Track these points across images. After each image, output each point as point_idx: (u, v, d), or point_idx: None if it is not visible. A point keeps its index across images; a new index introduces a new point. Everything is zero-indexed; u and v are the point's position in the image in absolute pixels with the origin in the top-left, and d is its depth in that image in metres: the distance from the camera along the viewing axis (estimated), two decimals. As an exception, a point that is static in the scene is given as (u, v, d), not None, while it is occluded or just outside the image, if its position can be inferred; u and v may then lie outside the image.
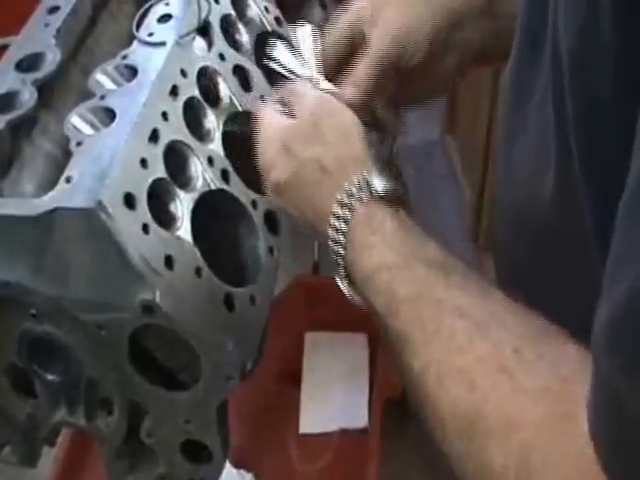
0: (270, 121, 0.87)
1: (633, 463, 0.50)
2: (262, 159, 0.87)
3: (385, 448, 1.27)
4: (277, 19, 1.15)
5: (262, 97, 1.06)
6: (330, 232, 0.76)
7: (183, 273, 0.86)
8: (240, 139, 1.02)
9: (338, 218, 0.76)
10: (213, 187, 0.95)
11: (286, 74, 0.93)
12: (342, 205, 0.76)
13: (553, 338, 0.62)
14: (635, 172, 0.47)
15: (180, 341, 0.86)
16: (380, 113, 0.94)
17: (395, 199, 0.77)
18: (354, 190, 0.76)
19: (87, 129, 0.90)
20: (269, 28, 1.13)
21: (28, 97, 0.94)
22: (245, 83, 1.07)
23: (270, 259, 0.97)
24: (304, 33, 0.99)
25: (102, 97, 0.93)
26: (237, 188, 0.98)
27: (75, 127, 0.90)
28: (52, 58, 0.98)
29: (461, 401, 0.63)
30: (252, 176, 0.99)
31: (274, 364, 0.90)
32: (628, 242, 0.48)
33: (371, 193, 0.76)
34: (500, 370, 0.62)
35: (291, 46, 0.98)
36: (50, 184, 0.88)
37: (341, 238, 0.76)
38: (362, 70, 0.91)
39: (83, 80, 0.97)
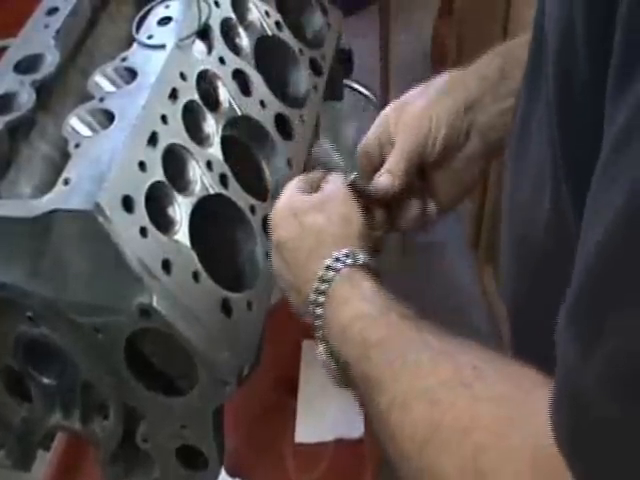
0: (292, 192, 0.88)
1: (595, 453, 0.50)
2: (273, 219, 0.88)
3: (381, 458, 1.26)
4: (277, 23, 1.14)
5: (262, 102, 1.06)
6: (312, 295, 0.79)
7: (180, 277, 0.86)
8: (239, 144, 1.02)
9: (323, 281, 0.79)
10: (212, 192, 0.94)
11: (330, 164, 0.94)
12: (328, 268, 0.79)
13: (518, 365, 0.63)
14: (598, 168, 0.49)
15: (177, 346, 0.85)
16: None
17: (375, 272, 0.80)
18: (341, 257, 0.79)
19: (85, 131, 0.90)
20: (269, 32, 1.13)
21: (27, 99, 0.93)
22: (245, 87, 1.06)
23: (268, 264, 0.96)
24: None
25: (101, 99, 0.93)
26: (236, 193, 0.97)
27: (74, 129, 0.89)
28: (51, 60, 0.98)
29: (421, 421, 0.64)
30: (251, 182, 0.99)
31: (270, 372, 0.90)
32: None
33: (355, 262, 0.79)
34: (460, 385, 0.63)
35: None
36: (47, 186, 0.87)
37: (321, 299, 0.78)
38: (393, 163, 0.93)
39: (82, 82, 0.97)
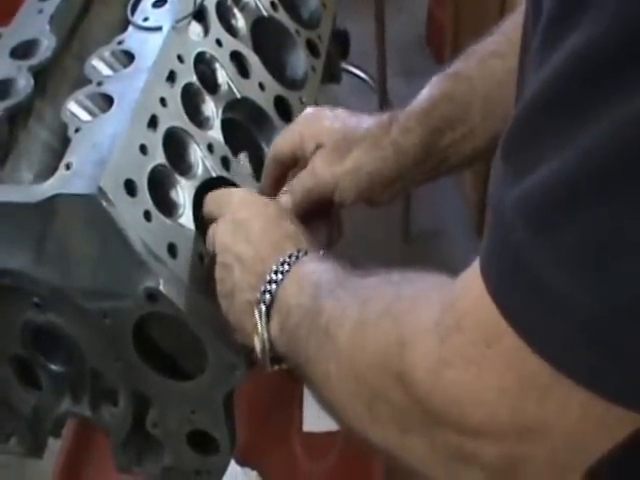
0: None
1: (503, 274, 0.52)
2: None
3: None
4: (273, 4, 1.13)
5: (261, 85, 1.05)
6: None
7: (186, 261, 0.85)
8: (239, 127, 1.01)
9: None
10: (213, 174, 0.93)
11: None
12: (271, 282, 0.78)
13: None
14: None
15: (185, 330, 0.84)
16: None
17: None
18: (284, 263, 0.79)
19: (85, 115, 0.89)
20: (265, 13, 1.11)
21: (24, 84, 0.92)
22: (243, 70, 1.05)
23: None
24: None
25: (99, 83, 0.91)
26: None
27: (73, 114, 0.88)
28: (47, 44, 0.97)
29: (347, 336, 0.67)
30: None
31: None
32: None
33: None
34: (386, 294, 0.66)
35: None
36: (49, 172, 0.86)
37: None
38: (298, 185, 0.93)
39: (79, 66, 0.96)
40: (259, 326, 0.77)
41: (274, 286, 0.77)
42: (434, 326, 0.58)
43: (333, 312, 0.69)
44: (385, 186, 0.93)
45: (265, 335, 0.77)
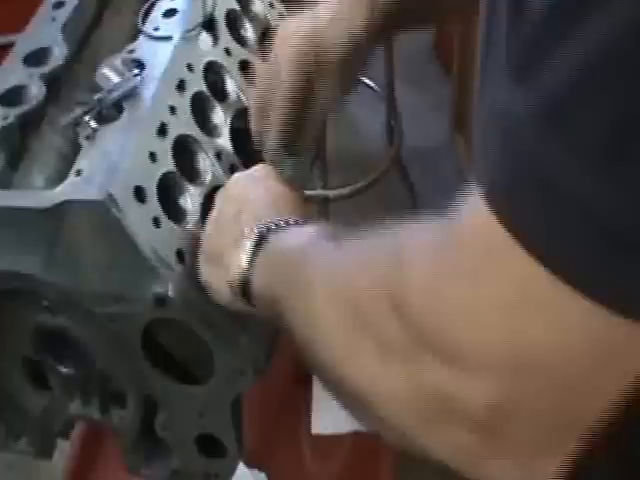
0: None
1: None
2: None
3: (400, 451, 1.26)
4: (281, 15, 1.14)
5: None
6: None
7: (195, 267, 0.86)
8: (248, 135, 1.02)
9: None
10: (222, 182, 0.94)
11: None
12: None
13: None
14: None
15: (194, 335, 0.86)
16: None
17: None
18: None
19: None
20: (274, 23, 1.13)
21: (36, 91, 0.94)
22: (251, 78, 1.06)
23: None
24: None
25: (109, 91, 0.92)
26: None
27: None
28: (59, 52, 0.98)
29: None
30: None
31: (287, 363, 0.90)
32: None
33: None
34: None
35: None
36: (59, 177, 0.88)
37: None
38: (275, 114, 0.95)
39: (90, 74, 0.96)
40: (243, 257, 0.76)
41: (267, 230, 0.77)
42: (432, 246, 0.55)
43: (331, 245, 0.67)
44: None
45: (245, 267, 0.76)
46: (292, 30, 0.96)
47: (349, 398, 0.64)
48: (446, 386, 0.53)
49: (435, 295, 0.54)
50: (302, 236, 0.73)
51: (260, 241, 0.76)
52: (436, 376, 0.53)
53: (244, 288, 0.77)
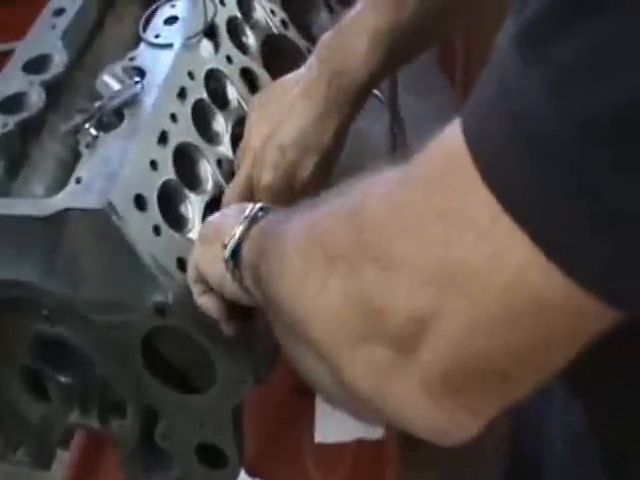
0: None
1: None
2: None
3: (403, 460, 1.26)
4: (283, 22, 1.14)
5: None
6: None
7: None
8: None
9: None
10: (223, 190, 0.95)
11: None
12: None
13: None
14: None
15: (194, 344, 0.85)
16: None
17: None
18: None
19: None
20: (275, 31, 1.13)
21: (36, 98, 0.94)
22: (253, 86, 1.06)
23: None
24: None
25: (110, 98, 0.92)
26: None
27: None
28: (59, 60, 0.98)
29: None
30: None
31: (289, 372, 0.90)
32: None
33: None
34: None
35: None
36: (59, 185, 0.88)
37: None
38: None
39: (90, 81, 0.97)
40: (238, 230, 0.77)
41: (263, 211, 0.77)
42: (396, 174, 0.56)
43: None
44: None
45: (237, 243, 0.76)
46: (265, 163, 0.95)
47: (291, 327, 0.64)
48: (375, 296, 0.53)
49: (387, 200, 0.55)
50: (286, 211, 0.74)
51: (256, 218, 0.77)
52: (369, 285, 0.54)
53: (235, 253, 0.77)
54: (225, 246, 0.77)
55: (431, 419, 0.54)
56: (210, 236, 0.83)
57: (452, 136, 0.51)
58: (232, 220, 0.79)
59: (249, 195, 0.94)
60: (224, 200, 0.95)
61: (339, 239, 0.57)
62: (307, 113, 0.95)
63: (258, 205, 0.78)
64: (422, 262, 0.51)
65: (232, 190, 0.95)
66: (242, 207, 0.81)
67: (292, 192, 0.95)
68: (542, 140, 0.46)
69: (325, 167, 0.98)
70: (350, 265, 0.56)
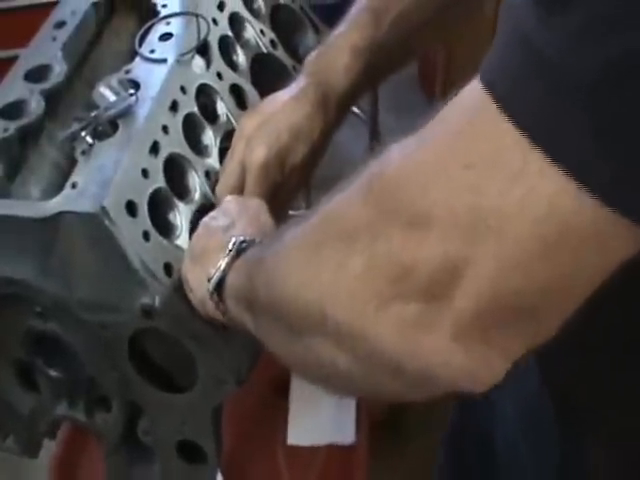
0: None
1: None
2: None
3: (373, 467, 1.28)
4: (272, 42, 1.18)
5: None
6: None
7: (181, 280, 0.89)
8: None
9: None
10: (210, 200, 0.98)
11: None
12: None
13: None
14: None
15: (177, 345, 0.88)
16: None
17: None
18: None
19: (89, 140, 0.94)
20: (264, 50, 1.17)
21: (36, 106, 0.97)
22: (241, 102, 1.10)
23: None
24: None
25: (106, 109, 0.96)
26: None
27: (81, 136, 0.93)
28: (59, 70, 1.02)
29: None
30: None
31: (264, 373, 0.92)
32: None
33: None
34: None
35: None
36: (55, 189, 0.91)
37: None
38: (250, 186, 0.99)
39: (87, 92, 1.00)
40: (223, 261, 0.80)
41: (247, 243, 0.80)
42: (411, 140, 0.56)
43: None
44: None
45: (223, 271, 0.79)
46: (257, 145, 0.99)
47: (299, 326, 0.64)
48: (404, 254, 0.54)
49: (408, 162, 0.56)
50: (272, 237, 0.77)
51: (240, 251, 0.80)
52: (396, 245, 0.54)
53: (219, 286, 0.80)
54: (209, 280, 0.80)
55: (463, 365, 0.55)
56: (196, 254, 0.87)
57: (471, 90, 0.53)
58: (218, 242, 0.83)
59: (242, 183, 0.98)
60: (218, 190, 0.99)
61: (356, 217, 0.58)
62: (297, 112, 1.00)
63: (241, 237, 0.81)
64: (452, 211, 0.52)
65: (225, 179, 0.99)
66: (227, 226, 0.85)
67: (282, 175, 0.99)
68: (562, 74, 0.48)
69: (312, 162, 1.03)
70: (372, 235, 0.56)
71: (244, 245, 0.80)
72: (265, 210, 0.92)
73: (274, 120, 1.00)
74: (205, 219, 0.91)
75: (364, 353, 0.58)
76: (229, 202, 0.93)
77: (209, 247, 0.85)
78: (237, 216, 0.89)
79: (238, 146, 1.00)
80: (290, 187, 1.03)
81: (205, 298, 0.83)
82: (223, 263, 0.80)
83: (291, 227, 0.69)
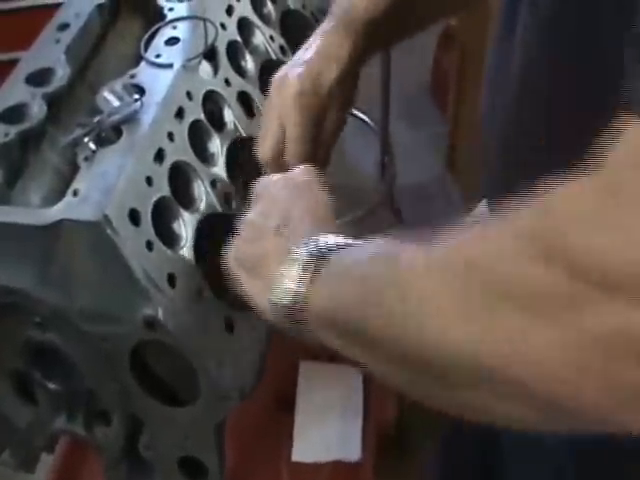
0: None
1: None
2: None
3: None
4: (282, 48, 1.17)
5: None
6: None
7: (185, 292, 0.87)
8: (243, 165, 1.03)
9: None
10: (215, 210, 0.96)
11: None
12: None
13: None
14: None
15: (180, 358, 0.86)
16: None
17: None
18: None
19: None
20: (274, 56, 1.15)
21: (37, 110, 0.95)
22: (249, 109, 1.08)
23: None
24: None
25: (109, 114, 0.94)
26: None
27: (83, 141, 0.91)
28: (62, 74, 1.00)
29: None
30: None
31: (268, 390, 0.90)
32: None
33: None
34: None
35: None
36: (56, 196, 0.89)
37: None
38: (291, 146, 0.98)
39: (91, 96, 0.98)
40: (293, 280, 0.72)
41: (327, 251, 0.72)
42: (578, 189, 0.51)
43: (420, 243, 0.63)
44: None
45: (297, 288, 0.72)
46: (290, 79, 0.99)
47: (460, 373, 0.58)
48: (624, 322, 0.48)
49: (601, 226, 0.49)
50: (373, 248, 0.69)
51: (315, 262, 0.72)
52: (612, 315, 0.49)
53: (293, 309, 0.72)
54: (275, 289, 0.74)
55: None
56: (250, 265, 0.80)
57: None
58: (276, 247, 0.77)
59: (283, 138, 0.98)
60: (260, 155, 0.99)
61: (536, 281, 0.52)
62: (324, 39, 1.03)
63: (312, 245, 0.73)
64: None
65: (264, 139, 0.99)
66: (280, 225, 0.79)
67: (319, 97, 1.00)
68: None
69: (348, 85, 1.03)
70: (569, 301, 0.50)
71: (316, 255, 0.72)
72: (316, 180, 0.87)
73: (302, 57, 1.02)
74: (250, 216, 0.85)
75: (558, 413, 0.54)
76: (274, 184, 0.87)
77: (267, 254, 0.78)
78: (289, 206, 0.83)
79: (272, 98, 1.00)
80: (333, 114, 1.02)
81: (266, 307, 0.76)
82: (294, 284, 0.72)
83: (409, 250, 0.64)
